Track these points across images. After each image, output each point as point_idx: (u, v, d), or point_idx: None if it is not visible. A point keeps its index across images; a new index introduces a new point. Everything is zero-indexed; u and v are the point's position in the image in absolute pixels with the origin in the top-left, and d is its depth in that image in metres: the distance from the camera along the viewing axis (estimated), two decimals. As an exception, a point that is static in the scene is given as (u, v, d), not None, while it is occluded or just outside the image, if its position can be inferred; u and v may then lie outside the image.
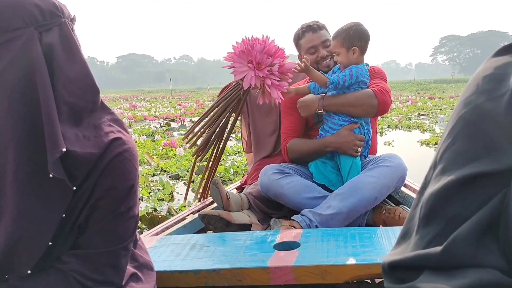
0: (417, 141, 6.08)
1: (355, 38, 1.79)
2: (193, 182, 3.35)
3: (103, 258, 0.83)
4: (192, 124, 2.05)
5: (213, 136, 1.97)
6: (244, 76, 1.79)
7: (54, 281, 0.79)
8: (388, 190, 1.77)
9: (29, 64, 0.74)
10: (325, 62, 2.06)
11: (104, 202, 0.81)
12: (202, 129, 1.94)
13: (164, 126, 9.06)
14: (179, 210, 2.86)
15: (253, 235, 1.48)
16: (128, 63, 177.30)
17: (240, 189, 2.32)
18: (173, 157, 5.03)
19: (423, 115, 10.12)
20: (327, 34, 2.10)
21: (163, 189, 3.49)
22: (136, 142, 5.73)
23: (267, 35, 1.83)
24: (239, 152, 5.23)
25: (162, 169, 4.41)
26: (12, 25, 0.73)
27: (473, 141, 0.43)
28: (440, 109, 11.62)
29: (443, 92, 24.02)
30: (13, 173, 0.74)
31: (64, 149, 0.74)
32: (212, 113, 1.96)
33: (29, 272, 0.78)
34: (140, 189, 3.41)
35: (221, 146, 2.05)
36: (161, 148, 5.45)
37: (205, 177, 2.17)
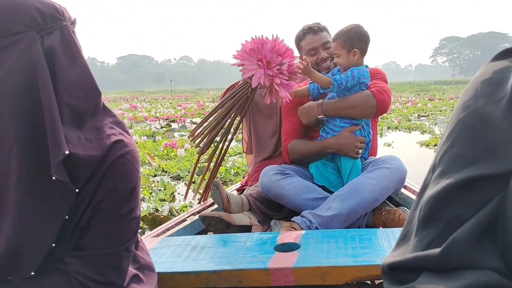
0: (417, 142, 6.09)
1: (356, 40, 1.80)
2: (193, 183, 3.36)
3: (105, 259, 0.83)
4: (195, 125, 2.05)
5: (219, 134, 1.97)
6: (253, 75, 1.80)
7: (57, 282, 0.80)
8: (388, 191, 1.78)
9: (31, 68, 0.75)
10: (325, 64, 2.07)
11: (106, 204, 0.82)
12: (207, 129, 1.94)
13: (165, 127, 9.07)
14: (181, 210, 2.86)
15: (254, 236, 1.48)
16: (128, 64, 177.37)
17: (240, 190, 2.33)
18: (174, 158, 5.04)
19: (423, 116, 10.12)
20: (328, 36, 2.11)
21: (164, 189, 3.49)
22: (137, 143, 5.74)
23: (277, 34, 1.84)
24: (239, 153, 5.23)
25: (163, 169, 4.43)
26: (14, 29, 0.74)
27: (472, 145, 0.43)
28: (440, 111, 11.62)
29: (443, 93, 24.04)
30: (16, 176, 0.75)
31: (67, 152, 0.75)
32: (217, 112, 1.96)
33: (32, 273, 0.79)
34: (142, 189, 3.42)
35: (224, 146, 2.05)
36: (162, 149, 5.46)
37: (206, 177, 2.18)
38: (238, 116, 2.00)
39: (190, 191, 2.55)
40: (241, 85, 1.93)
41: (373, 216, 1.86)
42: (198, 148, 1.96)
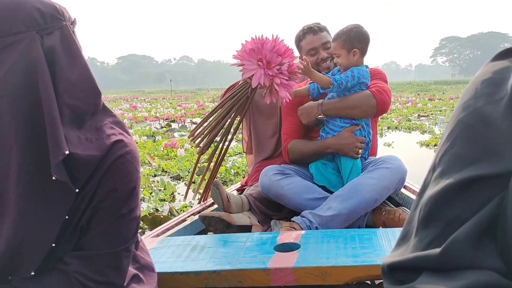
0: (417, 142, 6.09)
1: (356, 40, 1.80)
2: (194, 183, 3.36)
3: (105, 259, 0.83)
4: (195, 125, 2.05)
5: (219, 134, 1.97)
6: (253, 75, 1.80)
7: (57, 282, 0.80)
8: (388, 191, 1.78)
9: (31, 68, 0.75)
10: (325, 64, 2.07)
11: (106, 204, 0.82)
12: (208, 129, 1.94)
13: (165, 127, 9.08)
14: (181, 210, 2.87)
15: (254, 236, 1.48)
16: (128, 64, 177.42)
17: (240, 190, 2.33)
18: (174, 158, 5.04)
19: (423, 116, 10.13)
20: (328, 36, 2.11)
21: (164, 189, 3.50)
22: (137, 142, 5.74)
23: (277, 35, 1.84)
24: (239, 153, 5.23)
25: (163, 169, 4.43)
26: (14, 29, 0.74)
27: (472, 145, 0.43)
28: (440, 111, 11.62)
29: (443, 93, 24.05)
30: (16, 176, 0.75)
31: (67, 152, 0.75)
32: (218, 112, 1.96)
33: (32, 273, 0.79)
34: (142, 189, 3.42)
35: (224, 146, 2.05)
36: (162, 149, 5.46)
37: (206, 177, 2.18)
38: (238, 116, 2.00)
39: (190, 191, 2.55)
40: (241, 85, 1.93)
41: (373, 216, 1.86)
42: (198, 148, 1.96)
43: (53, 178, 0.75)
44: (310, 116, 1.90)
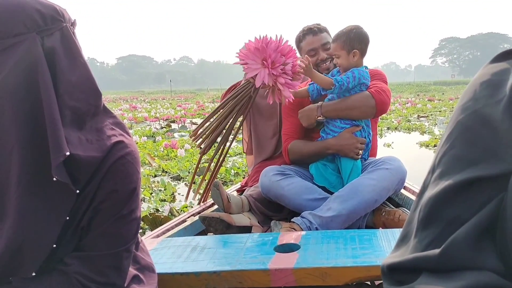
0: (417, 143, 6.10)
1: (356, 41, 1.80)
2: (194, 183, 3.36)
3: (106, 260, 0.83)
4: (195, 125, 2.05)
5: (221, 135, 1.97)
6: (256, 74, 1.79)
7: (57, 283, 0.80)
8: (388, 192, 1.78)
9: (32, 69, 0.75)
10: (325, 64, 2.08)
11: (106, 205, 0.82)
12: (209, 129, 1.94)
13: (165, 127, 9.08)
14: (181, 210, 2.87)
15: (254, 237, 1.48)
16: (128, 64, 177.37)
17: (240, 191, 2.33)
18: (174, 158, 5.04)
19: (423, 117, 10.13)
20: (328, 37, 2.12)
21: (164, 190, 3.50)
22: (137, 143, 5.74)
23: (281, 35, 1.84)
24: (240, 154, 5.24)
25: (163, 170, 4.43)
26: (14, 30, 0.74)
27: (471, 146, 0.43)
28: (440, 111, 11.63)
29: (443, 94, 24.05)
30: (17, 177, 0.75)
31: (68, 153, 0.75)
32: (219, 112, 1.96)
33: (33, 274, 0.79)
34: (142, 190, 3.42)
35: (225, 148, 2.05)
36: (162, 149, 5.46)
37: (206, 178, 2.18)
38: (241, 116, 2.00)
39: (191, 191, 2.55)
40: (243, 85, 1.93)
41: (373, 216, 1.86)
42: (200, 148, 1.96)
43: (54, 179, 0.75)
44: (310, 118, 1.90)
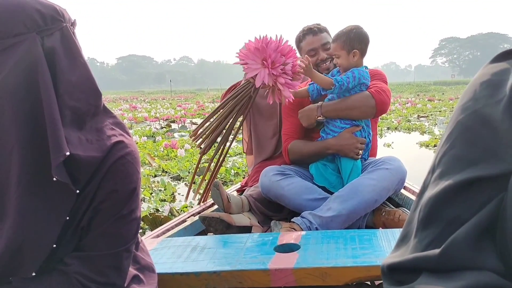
0: (417, 143, 6.10)
1: (356, 41, 1.80)
2: (194, 183, 3.36)
3: (106, 260, 0.83)
4: (195, 125, 2.05)
5: (221, 135, 1.97)
6: (256, 74, 1.79)
7: (57, 283, 0.80)
8: (388, 192, 1.78)
9: (32, 69, 0.75)
10: (325, 64, 2.08)
11: (106, 205, 0.82)
12: (210, 129, 1.94)
13: (165, 127, 9.08)
14: (181, 210, 2.87)
15: (254, 237, 1.48)
16: (128, 64, 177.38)
17: (240, 191, 2.33)
18: (174, 158, 5.05)
19: (423, 117, 10.13)
20: (328, 37, 2.12)
21: (164, 190, 3.50)
22: (137, 143, 5.74)
23: (281, 35, 1.84)
24: (240, 154, 5.24)
25: (163, 170, 4.43)
26: (14, 30, 0.74)
27: (471, 146, 0.43)
28: (440, 111, 11.63)
29: (443, 94, 24.05)
30: (17, 177, 0.75)
31: (68, 153, 0.75)
32: (219, 112, 1.96)
33: (33, 274, 0.79)
34: (142, 190, 3.42)
35: (225, 148, 2.05)
36: (162, 149, 5.46)
37: (206, 178, 2.18)
38: (241, 116, 2.00)
39: (191, 191, 2.55)
40: (243, 85, 1.93)
41: (373, 217, 1.87)
42: (200, 148, 1.96)
43: (54, 179, 0.75)
44: (310, 118, 1.90)
